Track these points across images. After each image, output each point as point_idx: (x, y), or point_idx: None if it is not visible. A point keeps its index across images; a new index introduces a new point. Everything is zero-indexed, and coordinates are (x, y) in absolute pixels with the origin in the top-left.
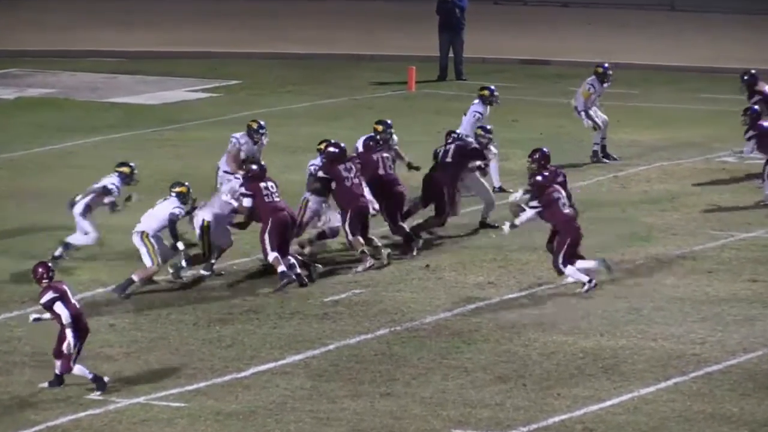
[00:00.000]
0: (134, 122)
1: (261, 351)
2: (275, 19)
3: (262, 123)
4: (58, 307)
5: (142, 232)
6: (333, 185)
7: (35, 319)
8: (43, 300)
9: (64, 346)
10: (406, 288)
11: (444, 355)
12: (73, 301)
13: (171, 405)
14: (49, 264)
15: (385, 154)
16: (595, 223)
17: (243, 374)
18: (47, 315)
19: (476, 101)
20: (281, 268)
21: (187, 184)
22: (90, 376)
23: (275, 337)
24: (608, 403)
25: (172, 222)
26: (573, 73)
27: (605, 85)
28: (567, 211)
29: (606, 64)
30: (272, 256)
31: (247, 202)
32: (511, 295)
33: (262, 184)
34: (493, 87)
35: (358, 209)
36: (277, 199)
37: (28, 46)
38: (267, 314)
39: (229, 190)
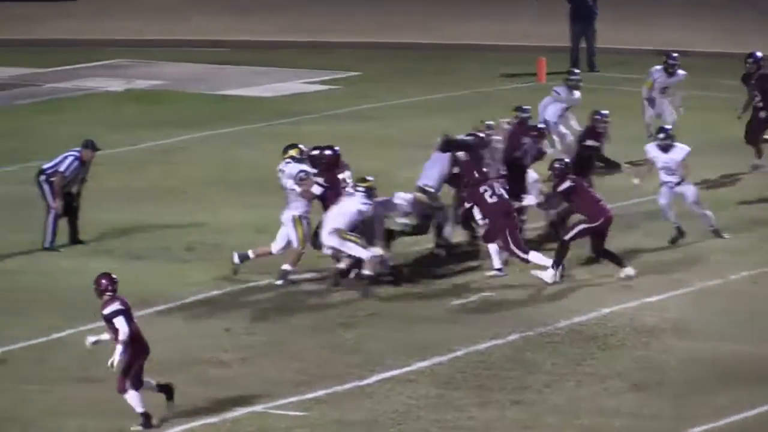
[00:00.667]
0: (246, 115)
1: (385, 357)
2: (401, 5)
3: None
4: (120, 321)
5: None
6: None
7: (94, 342)
8: (106, 311)
9: (111, 362)
10: (537, 291)
11: (578, 362)
12: (134, 319)
13: (290, 414)
14: (113, 276)
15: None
16: None
17: (366, 382)
18: (105, 337)
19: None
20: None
21: (371, 178)
22: (140, 410)
23: (400, 342)
24: (752, 413)
25: (361, 218)
26: (706, 65)
27: (673, 78)
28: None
29: (675, 54)
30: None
31: (317, 189)
32: (648, 299)
33: (342, 175)
34: (576, 71)
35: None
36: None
37: (136, 35)
38: (392, 318)
39: (289, 176)
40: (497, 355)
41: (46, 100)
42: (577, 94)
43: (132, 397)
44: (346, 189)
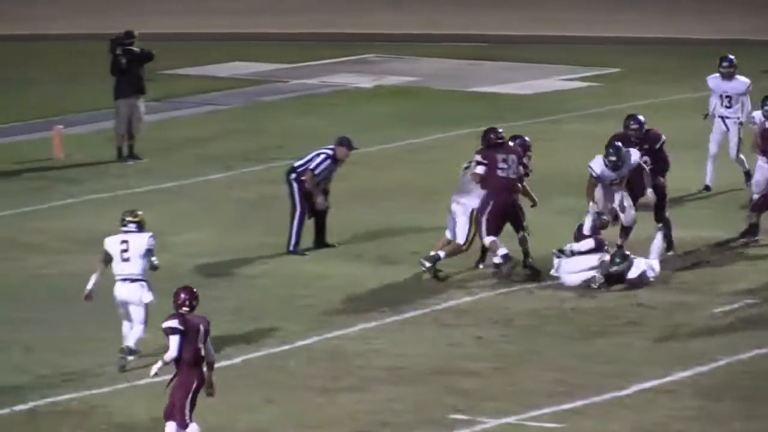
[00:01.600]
0: (502, 114)
1: (643, 367)
2: None
3: None
4: (173, 341)
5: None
6: None
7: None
8: (164, 324)
9: (152, 372)
10: None
11: None
12: (200, 345)
13: (545, 426)
14: (195, 291)
15: None
16: None
17: (624, 392)
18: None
19: None
20: (502, 251)
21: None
22: None
23: (659, 351)
24: None
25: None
26: None
27: (728, 81)
28: None
29: (730, 57)
30: (488, 239)
31: (480, 169)
32: None
33: (501, 155)
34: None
35: None
36: (512, 176)
37: (385, 29)
38: (650, 327)
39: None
40: (762, 366)
41: (292, 97)
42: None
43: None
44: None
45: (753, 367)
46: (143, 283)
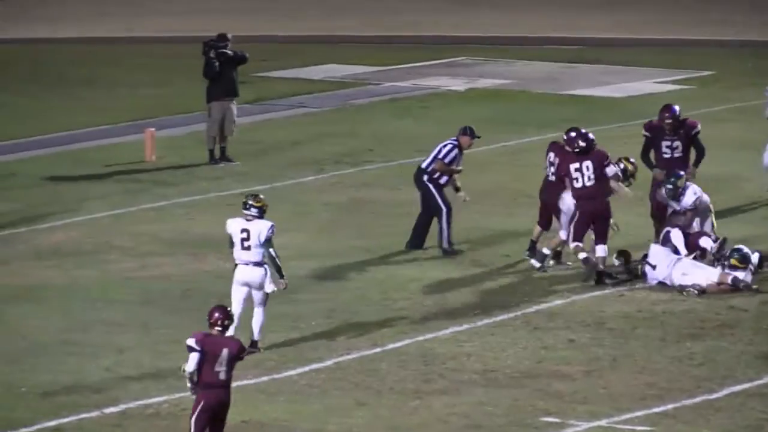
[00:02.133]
0: (595, 116)
1: (735, 370)
2: None
3: None
4: (192, 358)
5: None
6: None
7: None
8: (187, 341)
9: (186, 370)
10: None
11: None
12: (218, 368)
13: (636, 429)
14: (229, 310)
15: None
16: None
17: (715, 395)
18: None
19: None
20: (582, 255)
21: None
22: None
23: (751, 354)
24: None
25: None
26: None
27: None
28: None
29: None
30: (573, 244)
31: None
32: None
33: (574, 165)
34: None
35: None
36: (588, 184)
37: (480, 32)
38: (742, 329)
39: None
40: None
41: (384, 99)
42: None
43: None
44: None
45: None
46: (265, 268)
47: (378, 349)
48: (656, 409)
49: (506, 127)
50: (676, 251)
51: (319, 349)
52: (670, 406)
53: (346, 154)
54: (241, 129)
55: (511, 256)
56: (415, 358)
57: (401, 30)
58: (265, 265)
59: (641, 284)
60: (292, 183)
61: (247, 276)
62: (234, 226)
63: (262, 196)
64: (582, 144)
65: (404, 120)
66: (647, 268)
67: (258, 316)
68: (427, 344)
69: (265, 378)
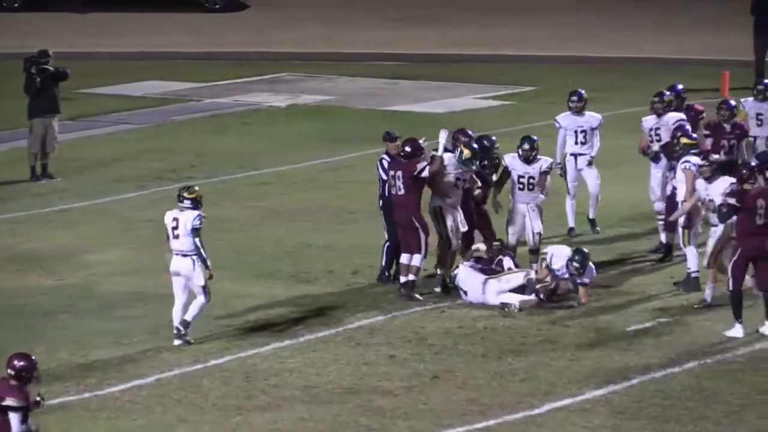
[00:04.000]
0: (417, 132)
1: (557, 385)
2: (583, 14)
3: None
4: (14, 419)
5: None
6: None
7: None
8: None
9: None
10: (716, 316)
11: (760, 391)
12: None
13: None
14: (33, 358)
15: None
16: None
17: (537, 411)
18: None
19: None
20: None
21: None
22: None
23: (573, 370)
24: None
25: None
26: None
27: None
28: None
29: (766, 81)
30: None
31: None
32: None
33: (391, 172)
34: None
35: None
36: (398, 193)
37: (297, 48)
38: (564, 345)
39: None
40: (674, 384)
41: (205, 116)
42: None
43: None
44: None
45: (665, 386)
46: (192, 259)
47: (200, 366)
48: (478, 425)
49: (328, 144)
50: (483, 271)
51: (142, 366)
52: (491, 422)
53: (167, 170)
54: (63, 145)
55: (334, 272)
56: (237, 374)
57: (223, 46)
58: (194, 256)
59: (461, 300)
60: (114, 199)
61: (176, 266)
62: (168, 217)
63: (196, 188)
64: (407, 150)
65: (226, 136)
66: (461, 293)
67: (194, 305)
68: (250, 360)
69: (87, 395)
